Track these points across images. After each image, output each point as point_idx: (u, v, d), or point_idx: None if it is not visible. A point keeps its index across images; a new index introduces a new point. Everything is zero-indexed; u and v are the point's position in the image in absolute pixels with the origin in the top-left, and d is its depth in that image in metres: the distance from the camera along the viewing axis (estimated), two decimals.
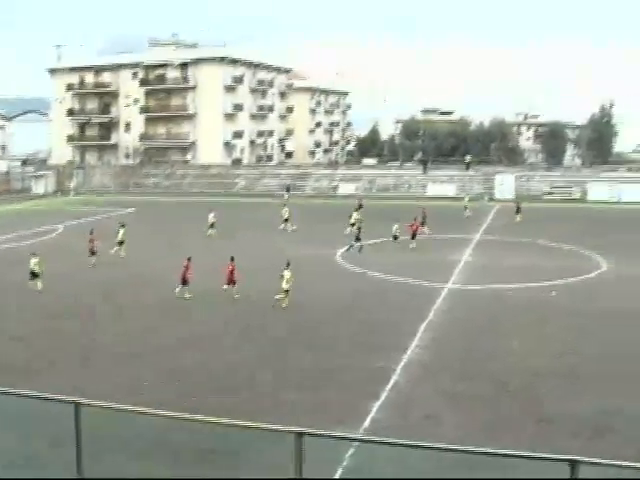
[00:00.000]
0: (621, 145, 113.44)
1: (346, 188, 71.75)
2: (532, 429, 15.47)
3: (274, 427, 7.77)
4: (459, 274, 32.17)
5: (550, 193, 64.38)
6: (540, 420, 15.95)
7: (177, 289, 27.71)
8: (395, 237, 39.39)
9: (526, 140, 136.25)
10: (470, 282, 30.39)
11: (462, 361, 20.07)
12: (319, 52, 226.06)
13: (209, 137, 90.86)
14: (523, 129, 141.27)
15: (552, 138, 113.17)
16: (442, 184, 70.02)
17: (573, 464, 6.53)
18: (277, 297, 26.11)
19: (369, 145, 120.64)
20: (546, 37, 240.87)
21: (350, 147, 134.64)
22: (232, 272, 27.55)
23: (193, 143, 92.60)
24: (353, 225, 42.22)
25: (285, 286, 25.80)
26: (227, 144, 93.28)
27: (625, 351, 20.87)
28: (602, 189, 64.57)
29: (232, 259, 27.98)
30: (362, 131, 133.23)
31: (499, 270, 33.11)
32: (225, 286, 27.56)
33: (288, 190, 66.22)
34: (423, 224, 42.66)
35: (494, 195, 65.41)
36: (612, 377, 18.64)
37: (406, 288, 29.47)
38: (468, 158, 77.19)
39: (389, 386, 17.94)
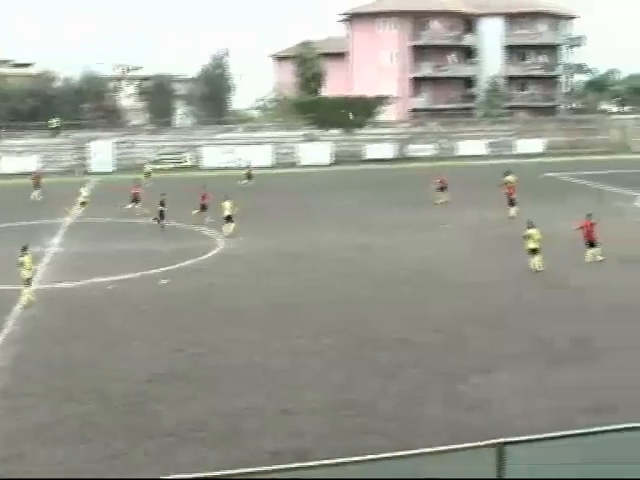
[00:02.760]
0: (239, 101, 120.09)
1: None
2: (148, 447, 15.77)
3: None
4: (46, 270, 31.65)
5: (158, 161, 66.10)
6: (157, 434, 16.33)
7: None
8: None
9: (128, 98, 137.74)
10: (61, 278, 30.04)
11: (56, 377, 19.67)
12: None
13: None
14: (123, 84, 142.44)
15: (158, 94, 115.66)
16: (20, 157, 67.76)
17: None
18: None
19: None
20: None
21: None
22: None
23: None
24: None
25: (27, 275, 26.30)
26: None
27: (244, 345, 22.35)
28: (219, 154, 68.15)
29: None
30: None
31: (99, 260, 33.30)
32: None
33: None
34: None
35: (89, 167, 65.25)
36: (235, 376, 19.78)
37: None
38: (54, 122, 75.79)
39: None
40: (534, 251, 29.90)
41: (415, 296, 27.11)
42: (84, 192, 46.03)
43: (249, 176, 55.79)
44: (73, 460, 15.40)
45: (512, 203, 41.48)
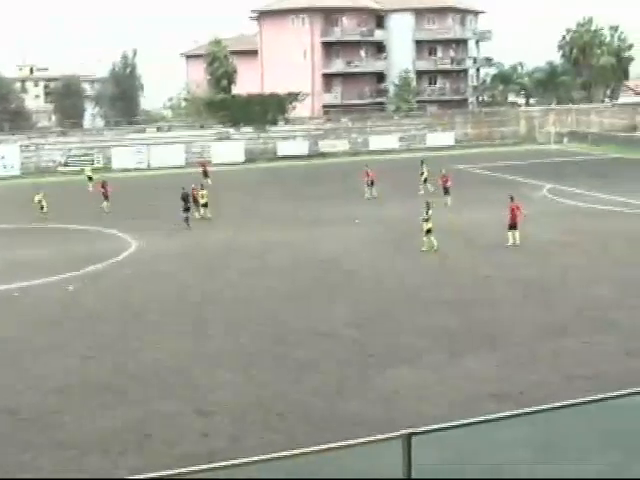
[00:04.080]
0: (150, 101, 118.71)
1: None
2: (52, 459, 15.45)
3: None
4: None
5: (67, 164, 64.76)
6: (61, 445, 15.98)
7: None
8: None
9: (35, 99, 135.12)
10: None
11: None
12: None
13: None
14: (29, 86, 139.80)
15: (66, 95, 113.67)
16: None
17: None
18: None
19: None
20: None
21: None
22: None
23: None
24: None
25: None
26: None
27: (156, 349, 21.94)
28: (129, 155, 67.17)
29: None
30: None
31: (3, 266, 32.39)
32: None
33: None
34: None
35: None
36: (147, 381, 19.47)
37: None
38: None
39: None
40: (429, 231, 31.70)
41: (324, 291, 27.22)
42: (37, 197, 43.23)
43: (206, 174, 54.07)
44: None
45: (447, 192, 42.96)
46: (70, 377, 19.79)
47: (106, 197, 45.46)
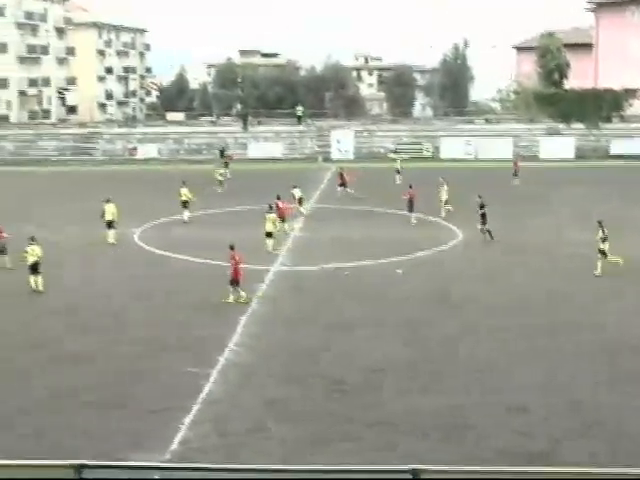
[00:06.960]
0: (479, 92, 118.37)
1: (147, 150, 70.51)
2: (372, 435, 15.86)
3: (48, 462, 7.13)
4: (287, 252, 32.64)
5: (397, 151, 66.40)
6: (381, 422, 16.37)
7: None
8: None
9: (368, 87, 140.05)
10: (300, 262, 30.92)
11: (291, 359, 20.37)
12: None
13: None
14: (364, 74, 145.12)
15: (398, 85, 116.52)
16: (267, 142, 70.47)
17: (416, 474, 6.53)
18: None
19: (175, 96, 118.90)
20: None
21: (151, 99, 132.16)
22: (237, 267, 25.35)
23: None
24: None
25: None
26: None
27: (470, 341, 21.85)
28: (457, 145, 67.57)
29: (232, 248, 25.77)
30: (166, 78, 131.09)
31: (336, 246, 33.86)
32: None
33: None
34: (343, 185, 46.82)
35: (330, 155, 66.70)
36: (459, 370, 19.53)
37: (220, 272, 29.24)
38: (300, 110, 78.07)
39: (202, 395, 17.77)
40: (603, 253, 28.14)
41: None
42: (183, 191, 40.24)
43: (515, 172, 52.13)
44: (278, 439, 15.86)
45: None
46: (384, 357, 20.31)
47: (345, 185, 46.45)
